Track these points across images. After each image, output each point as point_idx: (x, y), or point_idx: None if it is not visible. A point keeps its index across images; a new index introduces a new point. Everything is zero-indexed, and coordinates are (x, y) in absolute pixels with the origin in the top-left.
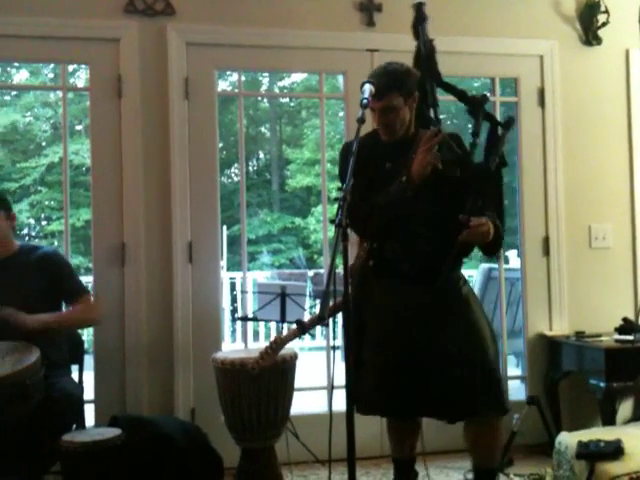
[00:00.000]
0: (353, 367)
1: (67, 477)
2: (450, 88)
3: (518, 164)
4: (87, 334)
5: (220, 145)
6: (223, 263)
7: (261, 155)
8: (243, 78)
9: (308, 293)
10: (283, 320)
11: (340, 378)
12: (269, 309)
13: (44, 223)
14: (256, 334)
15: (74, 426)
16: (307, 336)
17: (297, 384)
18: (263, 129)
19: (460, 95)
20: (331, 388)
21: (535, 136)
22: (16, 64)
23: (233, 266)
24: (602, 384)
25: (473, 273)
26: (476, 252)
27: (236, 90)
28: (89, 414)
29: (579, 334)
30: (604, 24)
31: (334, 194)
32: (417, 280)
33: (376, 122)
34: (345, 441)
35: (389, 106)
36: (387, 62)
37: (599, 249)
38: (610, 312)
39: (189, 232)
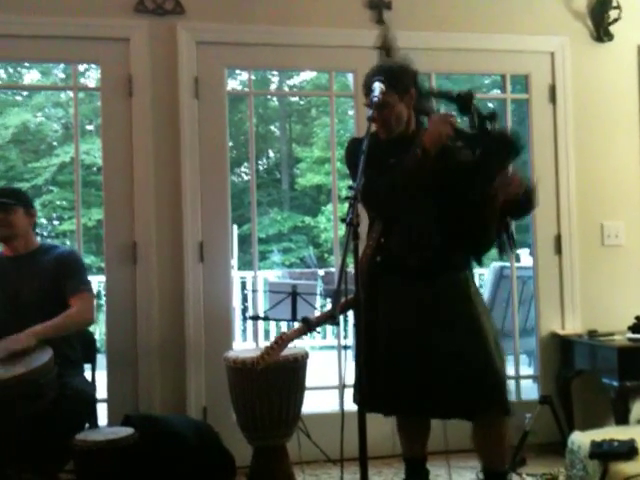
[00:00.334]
0: (363, 365)
1: (80, 476)
2: (435, 93)
3: (529, 161)
4: (99, 333)
5: (230, 144)
6: (234, 262)
7: (271, 154)
8: (253, 77)
9: (319, 292)
10: (294, 319)
11: (351, 377)
12: (280, 308)
13: (56, 223)
14: (267, 333)
15: (87, 425)
16: (318, 335)
17: (308, 383)
18: (273, 128)
19: (447, 96)
20: (342, 387)
21: (546, 133)
22: (27, 64)
23: (244, 265)
24: (615, 383)
25: (484, 272)
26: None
27: (246, 89)
28: (102, 413)
29: (592, 333)
30: (616, 20)
31: (344, 193)
32: (422, 276)
33: (373, 119)
34: (357, 440)
35: (383, 102)
36: (383, 60)
37: (611, 247)
38: (623, 310)
39: (200, 231)
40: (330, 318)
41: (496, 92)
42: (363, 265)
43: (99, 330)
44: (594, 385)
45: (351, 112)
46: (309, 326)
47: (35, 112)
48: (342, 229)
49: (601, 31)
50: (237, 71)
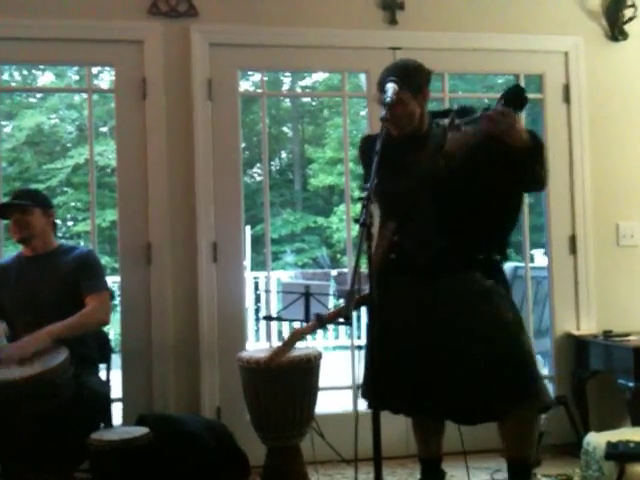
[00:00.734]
0: (376, 365)
1: (96, 475)
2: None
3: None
4: (114, 333)
5: (242, 145)
6: (247, 263)
7: (283, 155)
8: (265, 78)
9: (332, 292)
10: (307, 320)
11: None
12: (293, 309)
13: (70, 224)
14: (280, 333)
15: (102, 424)
16: (331, 335)
17: (321, 383)
18: (285, 129)
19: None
20: (356, 388)
21: (561, 133)
22: (41, 66)
23: (256, 266)
24: (631, 384)
25: None
26: None
27: (259, 90)
28: (116, 413)
29: (607, 333)
30: (631, 19)
31: (357, 193)
32: (436, 275)
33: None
34: (370, 440)
35: (395, 99)
36: (400, 58)
37: (627, 247)
38: (638, 311)
39: (213, 232)
40: (344, 319)
41: None
42: (375, 264)
43: (114, 330)
44: (609, 386)
45: (363, 112)
46: (321, 322)
47: (49, 114)
48: (355, 230)
49: (616, 30)
50: (249, 72)
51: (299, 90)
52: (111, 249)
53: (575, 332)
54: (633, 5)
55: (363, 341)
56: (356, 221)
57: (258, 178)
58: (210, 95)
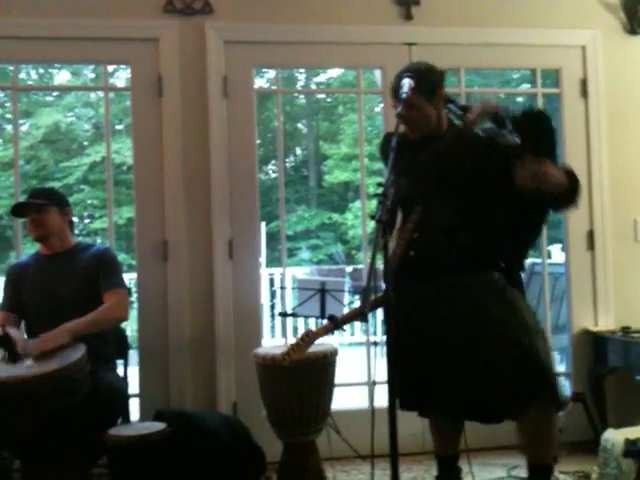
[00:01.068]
0: (394, 362)
1: (114, 470)
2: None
3: (561, 156)
4: (131, 330)
5: (257, 142)
6: (262, 259)
7: (298, 151)
8: (280, 75)
9: (347, 289)
10: (323, 316)
11: (381, 374)
12: (309, 305)
13: (87, 221)
14: (295, 330)
15: (119, 420)
16: (346, 332)
17: (337, 380)
18: (300, 125)
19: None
20: (373, 384)
21: (578, 128)
22: (57, 65)
23: (272, 262)
24: None
25: None
26: None
27: (273, 87)
28: (133, 408)
29: (625, 329)
30: None
31: (372, 189)
32: (452, 273)
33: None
34: (386, 437)
35: (411, 103)
36: (411, 62)
37: None
38: None
39: (229, 229)
40: (360, 316)
41: (526, 87)
42: (393, 262)
43: (130, 327)
44: (628, 382)
45: (377, 109)
46: (336, 324)
47: (66, 112)
48: (370, 226)
49: (634, 23)
50: (264, 69)
51: (314, 86)
52: (127, 246)
53: (593, 328)
54: None
55: (379, 337)
56: (372, 217)
57: (273, 175)
58: (225, 92)
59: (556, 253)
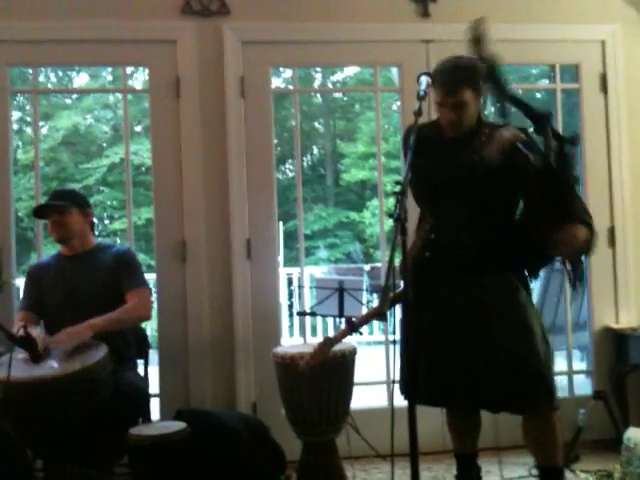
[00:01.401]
0: (412, 360)
1: (135, 469)
2: (516, 102)
3: (581, 153)
4: (150, 329)
5: (274, 141)
6: (280, 258)
7: (315, 150)
8: (297, 74)
9: (365, 288)
10: (341, 315)
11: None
12: (327, 304)
13: (107, 222)
14: (314, 329)
15: (140, 420)
16: (365, 331)
17: (357, 379)
18: (317, 124)
19: (526, 109)
20: (392, 382)
21: (598, 123)
22: (76, 68)
23: (289, 261)
24: None
25: None
26: None
27: (290, 86)
28: (154, 408)
29: None
30: None
31: (389, 187)
32: (468, 274)
33: (443, 118)
34: (406, 436)
35: (461, 101)
36: (454, 56)
37: None
38: None
39: (247, 228)
40: (379, 315)
41: (544, 82)
42: (410, 262)
43: (150, 326)
44: None
45: (394, 107)
46: (352, 327)
47: (85, 114)
48: (388, 224)
49: None
50: (281, 69)
51: (330, 85)
52: (146, 246)
53: (614, 325)
54: None
55: (398, 336)
56: (390, 216)
57: (290, 174)
58: (243, 92)
59: None
